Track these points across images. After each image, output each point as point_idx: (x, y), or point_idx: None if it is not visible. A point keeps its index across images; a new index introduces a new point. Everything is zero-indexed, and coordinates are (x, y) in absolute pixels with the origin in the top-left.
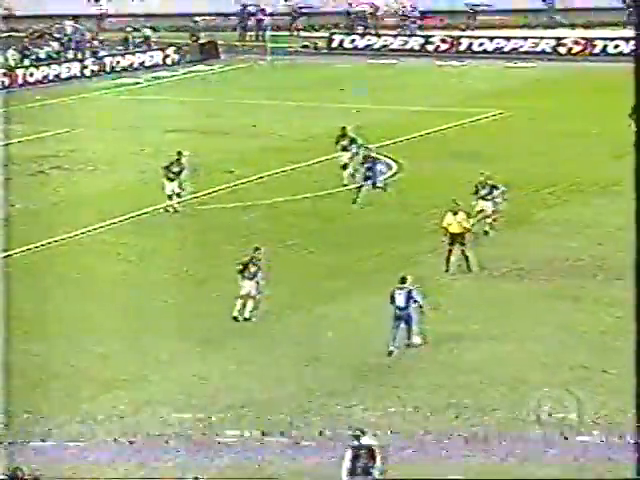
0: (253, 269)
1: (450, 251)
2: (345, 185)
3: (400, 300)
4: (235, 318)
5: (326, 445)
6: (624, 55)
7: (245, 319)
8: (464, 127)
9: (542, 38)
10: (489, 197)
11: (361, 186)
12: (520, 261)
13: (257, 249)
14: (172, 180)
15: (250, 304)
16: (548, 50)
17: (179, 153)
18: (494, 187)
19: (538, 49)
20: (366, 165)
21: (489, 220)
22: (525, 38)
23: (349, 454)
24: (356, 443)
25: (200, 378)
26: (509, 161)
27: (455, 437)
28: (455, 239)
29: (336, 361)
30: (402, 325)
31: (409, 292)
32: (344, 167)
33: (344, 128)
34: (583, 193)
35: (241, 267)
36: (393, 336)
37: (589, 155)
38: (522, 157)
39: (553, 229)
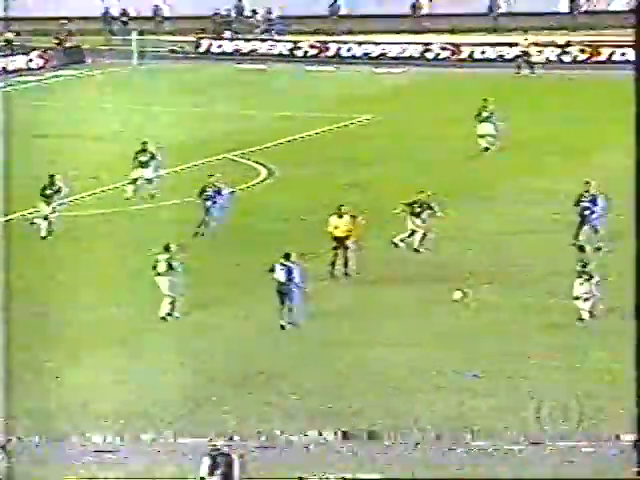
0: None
1: (335, 255)
2: (127, 199)
3: (281, 275)
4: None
5: (193, 451)
6: (490, 61)
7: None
8: (335, 132)
9: (410, 43)
10: (423, 215)
11: (204, 221)
12: (394, 266)
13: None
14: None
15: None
16: (416, 55)
17: (144, 143)
18: (429, 207)
19: (406, 54)
20: (206, 195)
21: (418, 238)
22: (393, 43)
23: (206, 461)
24: (214, 451)
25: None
26: (380, 165)
27: (327, 442)
28: (340, 243)
29: (207, 369)
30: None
31: (289, 269)
32: (134, 181)
33: (145, 143)
34: (454, 198)
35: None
36: (281, 311)
37: (458, 160)
38: (394, 161)
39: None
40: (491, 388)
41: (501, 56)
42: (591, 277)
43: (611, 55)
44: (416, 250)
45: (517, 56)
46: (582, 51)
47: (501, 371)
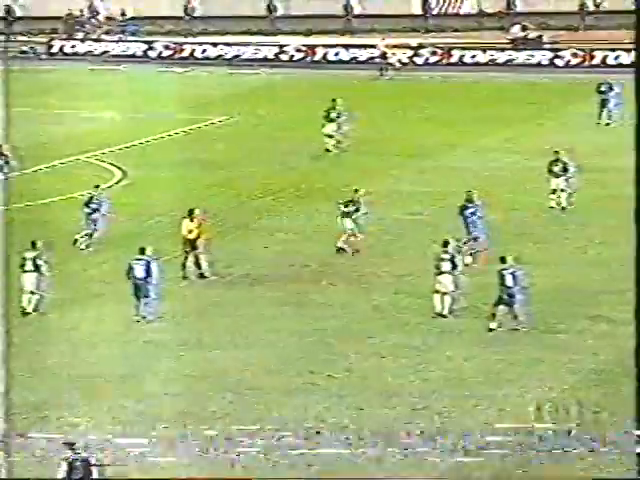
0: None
1: (186, 257)
2: None
3: (139, 271)
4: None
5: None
6: (344, 62)
7: None
8: (190, 134)
9: (264, 45)
10: (353, 216)
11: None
12: (248, 267)
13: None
14: None
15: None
16: (270, 57)
17: None
18: (357, 208)
19: (260, 56)
20: (92, 207)
21: (352, 239)
22: (247, 45)
23: (63, 467)
24: (71, 455)
25: None
26: (236, 167)
27: (186, 443)
28: (191, 245)
29: (56, 371)
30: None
31: (148, 263)
32: None
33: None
34: (309, 199)
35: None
36: (137, 306)
37: (308, 161)
38: (249, 163)
39: (280, 235)
40: (345, 387)
41: (354, 58)
42: (453, 273)
43: (462, 58)
44: (340, 249)
45: (371, 58)
46: (434, 53)
47: (356, 370)
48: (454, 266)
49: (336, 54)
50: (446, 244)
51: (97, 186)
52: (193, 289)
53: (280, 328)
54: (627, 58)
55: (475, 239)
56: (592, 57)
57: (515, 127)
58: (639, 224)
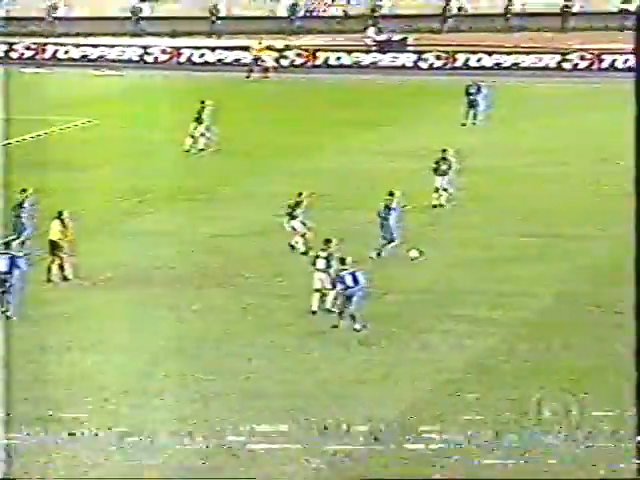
0: None
1: (52, 260)
2: None
3: (1, 264)
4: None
5: None
6: (210, 64)
7: None
8: (52, 136)
9: (129, 46)
10: (299, 218)
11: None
12: (113, 270)
13: None
14: None
15: None
16: (135, 58)
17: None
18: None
19: (125, 57)
20: (21, 211)
21: (302, 239)
22: (112, 46)
23: None
24: None
25: None
26: (99, 169)
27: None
28: (56, 247)
29: None
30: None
31: (12, 257)
32: None
33: None
34: (174, 201)
35: None
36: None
37: (175, 162)
38: (113, 165)
39: (145, 238)
40: (217, 389)
41: (220, 60)
42: (328, 271)
43: (327, 60)
44: (291, 246)
45: (237, 60)
46: (299, 55)
47: (226, 372)
48: (329, 265)
49: (201, 56)
50: (327, 241)
51: (24, 190)
52: (57, 292)
53: (146, 331)
54: (489, 60)
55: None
56: (455, 59)
57: (380, 129)
58: (639, 224)
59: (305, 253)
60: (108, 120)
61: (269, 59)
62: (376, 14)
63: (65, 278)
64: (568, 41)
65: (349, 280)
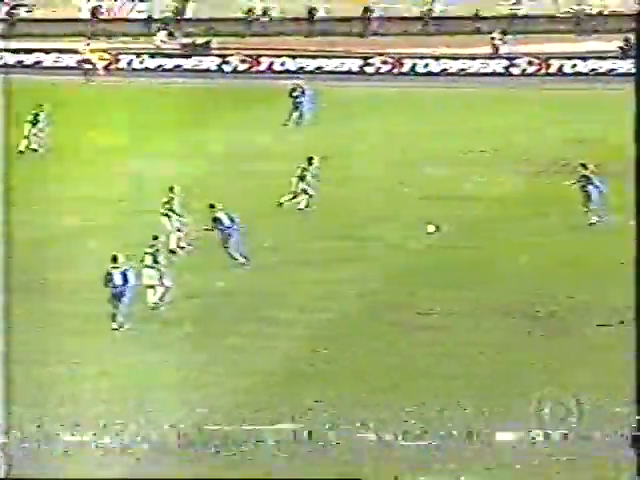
0: None
1: None
2: None
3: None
4: None
5: None
6: (9, 67)
7: None
8: None
9: None
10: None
11: None
12: None
13: None
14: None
15: None
16: None
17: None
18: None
19: None
20: None
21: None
22: None
23: None
24: None
25: None
26: None
27: None
28: None
29: None
30: None
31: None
32: None
33: None
34: None
35: None
36: None
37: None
38: None
39: None
40: (25, 396)
41: (20, 62)
42: (156, 267)
43: (130, 62)
44: (171, 251)
45: (37, 62)
46: (101, 59)
47: (33, 379)
48: (156, 260)
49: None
50: (155, 238)
51: None
52: None
53: None
54: (293, 64)
55: None
56: (259, 63)
57: (189, 131)
58: (639, 225)
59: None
60: None
61: (97, 61)
62: (179, 17)
63: None
64: (370, 45)
65: (118, 279)
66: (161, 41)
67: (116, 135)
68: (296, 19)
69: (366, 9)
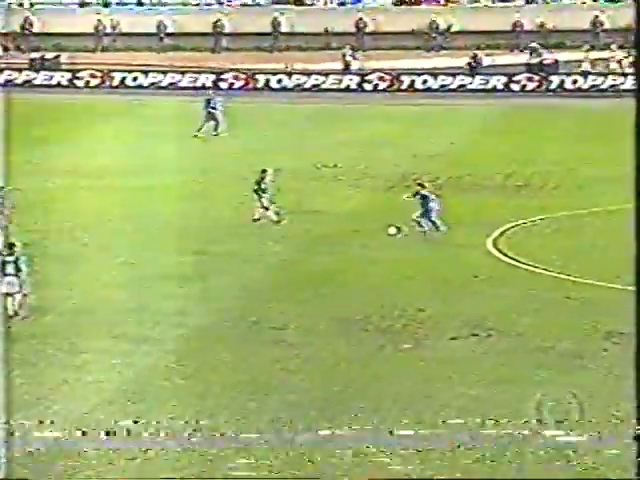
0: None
1: None
2: None
3: None
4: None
5: None
6: None
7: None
8: None
9: None
10: None
11: None
12: None
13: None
14: None
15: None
16: None
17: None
18: None
19: None
20: None
21: None
22: None
23: None
24: None
25: None
26: None
27: None
28: None
29: None
30: None
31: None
32: None
33: None
34: None
35: None
36: None
37: None
38: None
39: None
40: None
41: None
42: (19, 274)
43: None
44: None
45: None
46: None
47: None
48: (18, 268)
49: None
50: (12, 246)
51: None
52: None
53: None
54: (145, 80)
55: None
56: (112, 78)
57: (28, 149)
58: (639, 226)
59: None
60: None
61: None
62: (27, 31)
63: None
64: (221, 61)
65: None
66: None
67: None
68: (145, 34)
69: (215, 25)
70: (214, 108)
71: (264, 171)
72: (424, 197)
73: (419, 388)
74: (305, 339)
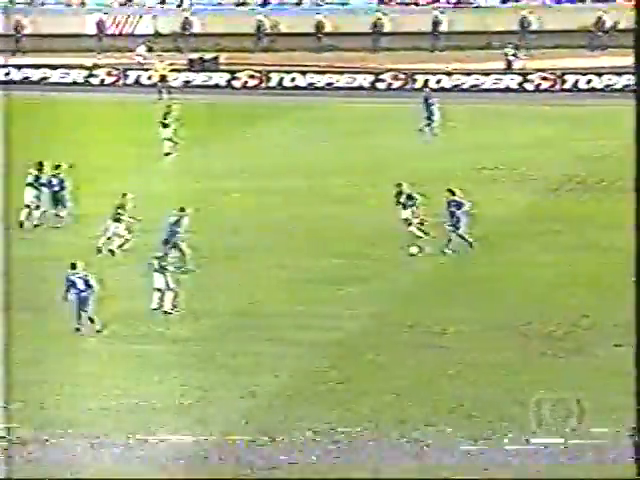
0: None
1: None
2: None
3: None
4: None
5: None
6: (15, 83)
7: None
8: None
9: None
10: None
11: None
12: None
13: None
14: None
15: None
16: None
17: None
18: None
19: None
20: None
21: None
22: None
23: None
24: None
25: None
26: None
27: None
28: None
29: None
30: None
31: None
32: None
33: None
34: None
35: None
36: None
37: None
38: None
39: None
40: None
41: (27, 78)
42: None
43: (138, 78)
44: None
45: (44, 77)
46: (109, 74)
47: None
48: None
49: (7, 74)
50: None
51: None
52: None
53: None
54: (303, 80)
55: None
56: (269, 79)
57: (187, 149)
58: (639, 222)
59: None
60: None
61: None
62: (186, 32)
63: None
64: (380, 61)
65: (81, 284)
66: (137, 55)
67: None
68: (304, 34)
69: (375, 24)
70: (431, 105)
71: (399, 185)
72: (457, 205)
73: (579, 395)
74: (463, 344)
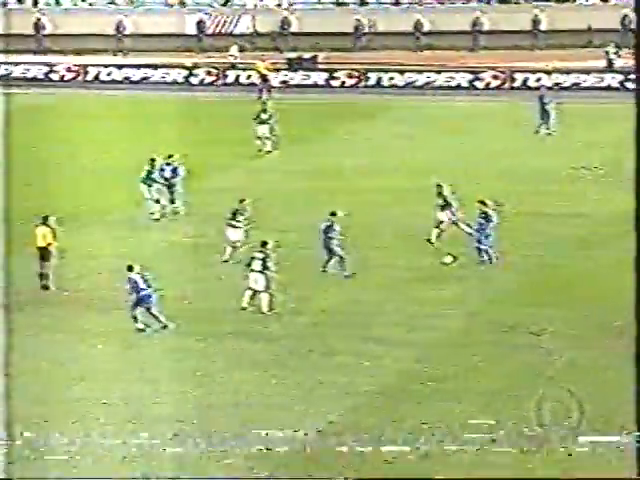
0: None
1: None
2: None
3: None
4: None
5: None
6: (117, 82)
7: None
8: None
9: (33, 64)
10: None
11: None
12: None
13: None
14: None
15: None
16: (40, 77)
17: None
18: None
19: (30, 75)
20: None
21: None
22: (16, 64)
23: None
24: None
25: None
26: None
27: None
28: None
29: None
30: None
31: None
32: None
33: None
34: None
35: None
36: None
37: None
38: None
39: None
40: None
41: (127, 78)
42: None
43: (238, 78)
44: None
45: (145, 77)
46: (209, 73)
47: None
48: (265, 266)
49: (109, 74)
50: (264, 244)
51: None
52: None
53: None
54: (401, 79)
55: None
56: (367, 78)
57: (286, 148)
58: (639, 229)
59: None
60: None
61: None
62: (285, 31)
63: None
64: (479, 59)
65: (142, 283)
66: (230, 55)
67: (205, 150)
68: (402, 33)
69: (474, 22)
70: (546, 104)
71: (439, 186)
72: (486, 217)
73: None
74: (562, 345)
